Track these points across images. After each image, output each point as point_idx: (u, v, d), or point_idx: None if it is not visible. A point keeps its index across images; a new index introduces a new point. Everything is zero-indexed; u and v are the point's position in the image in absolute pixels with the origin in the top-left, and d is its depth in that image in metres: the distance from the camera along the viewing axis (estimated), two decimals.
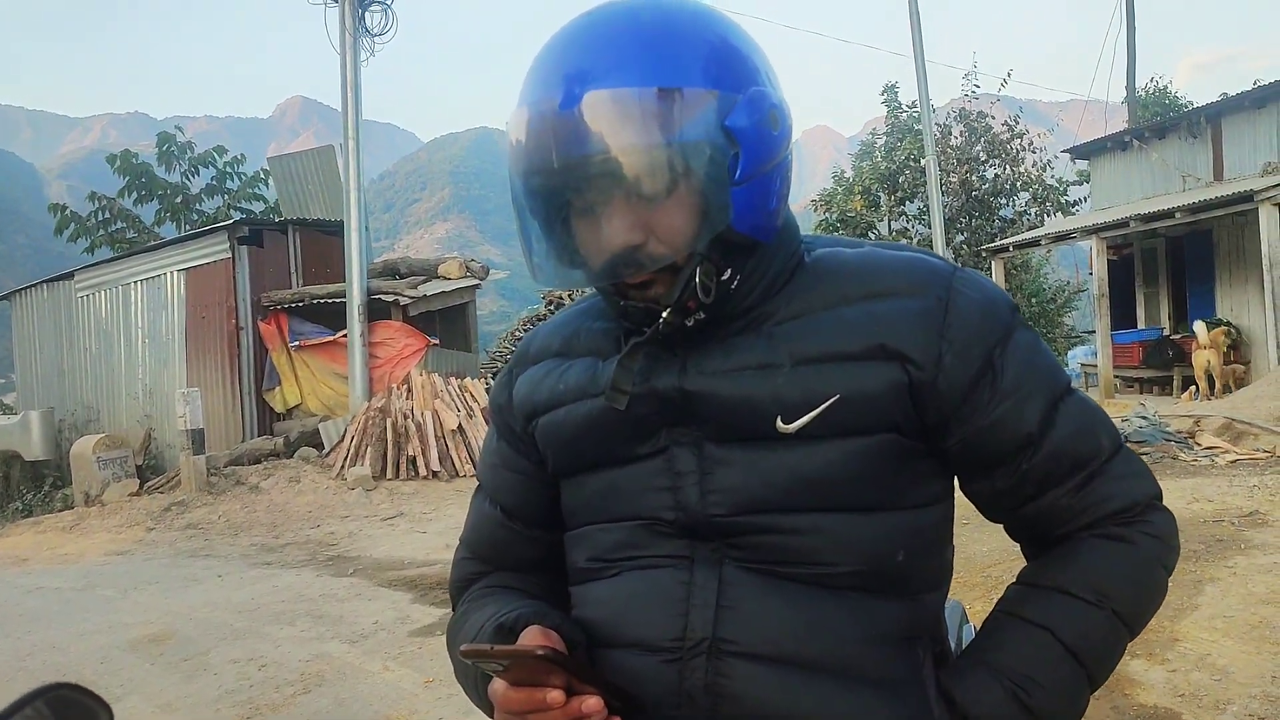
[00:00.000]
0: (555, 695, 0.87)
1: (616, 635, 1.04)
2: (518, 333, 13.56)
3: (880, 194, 23.58)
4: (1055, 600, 1.03)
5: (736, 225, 0.98)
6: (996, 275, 15.31)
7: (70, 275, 13.86)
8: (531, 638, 0.96)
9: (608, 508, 1.08)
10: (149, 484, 9.80)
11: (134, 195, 19.97)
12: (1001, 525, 1.13)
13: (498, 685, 0.90)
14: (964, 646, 1.41)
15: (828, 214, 23.98)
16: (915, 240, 23.53)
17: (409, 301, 10.80)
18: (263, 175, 19.19)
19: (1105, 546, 1.04)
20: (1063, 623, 1.01)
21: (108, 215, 19.98)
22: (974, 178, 22.97)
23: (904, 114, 23.82)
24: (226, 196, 20.47)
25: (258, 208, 19.61)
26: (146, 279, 12.38)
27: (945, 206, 22.09)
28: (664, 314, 1.00)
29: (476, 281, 12.35)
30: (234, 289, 11.39)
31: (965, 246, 22.47)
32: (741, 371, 1.02)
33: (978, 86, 23.84)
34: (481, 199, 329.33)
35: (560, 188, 0.97)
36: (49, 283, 14.51)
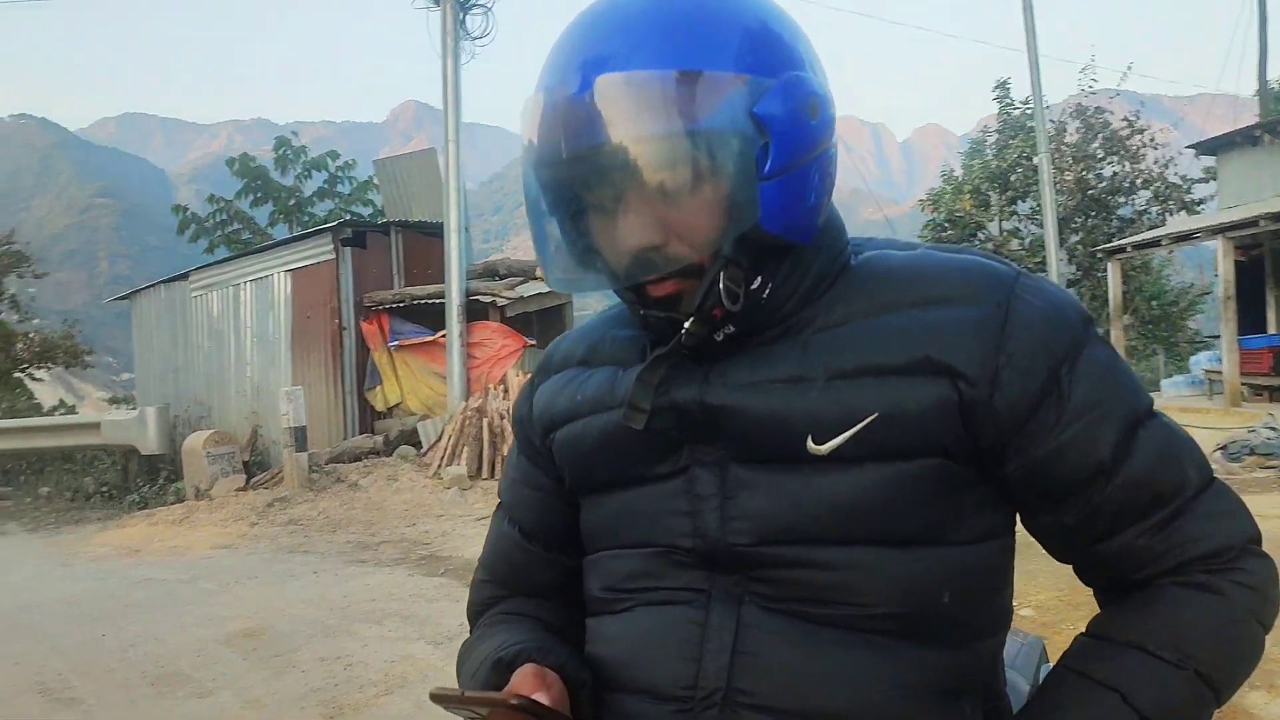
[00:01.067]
0: None
1: (625, 679, 0.93)
2: None
3: (991, 193, 22.96)
4: (1130, 658, 0.88)
5: (766, 224, 0.86)
6: (1112, 277, 14.69)
7: (185, 276, 14.34)
8: (524, 678, 0.87)
9: (623, 532, 0.98)
10: (254, 479, 10.10)
11: (250, 198, 20.74)
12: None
13: None
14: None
15: (935, 214, 23.48)
16: (1028, 241, 22.84)
17: (506, 303, 10.90)
18: (373, 181, 19.67)
19: (1191, 597, 0.89)
20: (1137, 686, 0.87)
21: (225, 217, 20.80)
22: (1090, 175, 22.21)
23: (1016, 110, 23.18)
24: (337, 200, 21.09)
25: (367, 211, 20.14)
26: (255, 279, 12.75)
27: (1059, 205, 21.38)
28: (686, 323, 0.89)
29: None
30: (338, 289, 11.62)
31: (1080, 247, 21.74)
32: (770, 385, 0.90)
33: (1095, 81, 23.04)
34: None
35: (570, 181, 0.88)
36: (166, 283, 15.06)
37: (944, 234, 23.27)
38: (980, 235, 23.39)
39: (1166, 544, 0.90)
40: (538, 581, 1.11)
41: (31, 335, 23.84)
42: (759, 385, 0.91)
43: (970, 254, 0.97)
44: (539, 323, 12.29)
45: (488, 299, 10.95)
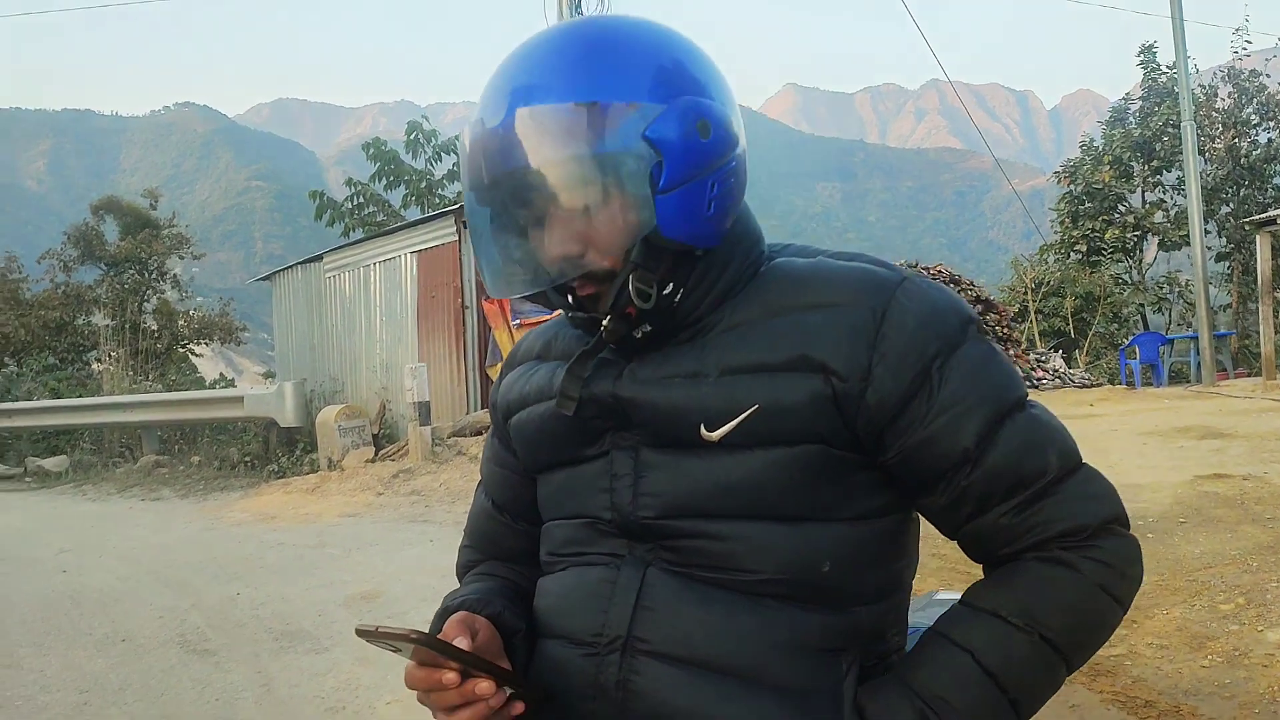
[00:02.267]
0: (450, 677, 0.94)
1: (551, 626, 1.10)
2: None
3: (1133, 163, 21.92)
4: (983, 622, 1.00)
5: (666, 232, 1.00)
6: (1261, 250, 13.90)
7: (319, 257, 14.95)
8: (450, 623, 1.04)
9: (562, 505, 1.14)
10: (382, 451, 10.57)
11: (384, 181, 21.39)
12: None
13: (408, 664, 0.97)
14: None
15: (1072, 186, 22.50)
16: (1173, 213, 21.78)
17: None
18: None
19: (1044, 570, 1.00)
20: (986, 645, 0.98)
21: (361, 200, 21.51)
22: (1243, 143, 20.94)
23: (1163, 76, 21.99)
24: None
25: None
26: (384, 260, 13.23)
27: (1208, 175, 20.26)
28: (604, 321, 1.03)
29: None
30: (460, 270, 11.97)
31: (1231, 219, 20.57)
32: (672, 379, 1.05)
33: (1249, 43, 21.64)
34: None
35: (492, 200, 1.03)
36: (302, 264, 15.75)
37: (1081, 207, 22.35)
38: (1121, 208, 22.39)
39: (1028, 523, 1.00)
40: (508, 547, 1.28)
41: (192, 313, 25.21)
42: (662, 380, 1.05)
43: (860, 262, 1.10)
44: None
45: None
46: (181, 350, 24.14)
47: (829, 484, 1.03)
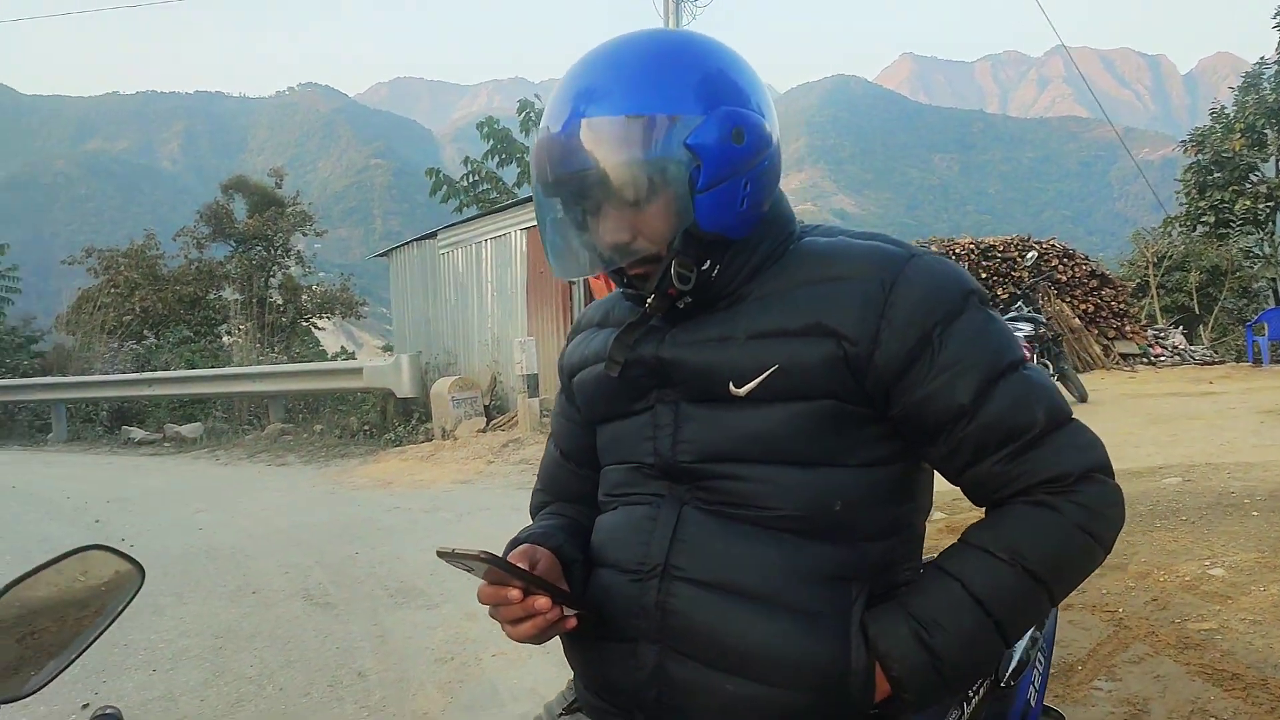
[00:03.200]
0: (514, 593, 1.11)
1: (604, 556, 1.28)
2: None
3: (1268, 130, 20.85)
4: (972, 555, 1.15)
5: (704, 225, 1.17)
6: None
7: (434, 234, 15.32)
8: (517, 552, 1.21)
9: (616, 452, 1.32)
10: (493, 422, 10.90)
11: (496, 159, 21.73)
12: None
13: (480, 583, 1.15)
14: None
15: (1200, 155, 21.48)
16: None
17: None
18: None
19: (1028, 511, 1.14)
20: (974, 575, 1.14)
21: (476, 178, 21.91)
22: None
23: None
24: None
25: None
26: (494, 237, 13.50)
27: None
28: (649, 299, 1.21)
29: None
30: None
31: None
32: (705, 343, 1.21)
33: None
34: (837, 148, 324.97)
35: (556, 195, 1.21)
36: (417, 241, 16.12)
37: (1209, 177, 21.37)
38: (1253, 178, 21.34)
39: (1017, 470, 1.15)
40: (573, 490, 1.46)
41: (314, 288, 26.14)
42: (697, 343, 1.22)
43: (876, 240, 1.24)
44: None
45: None
46: (305, 324, 25.04)
47: (841, 434, 1.18)
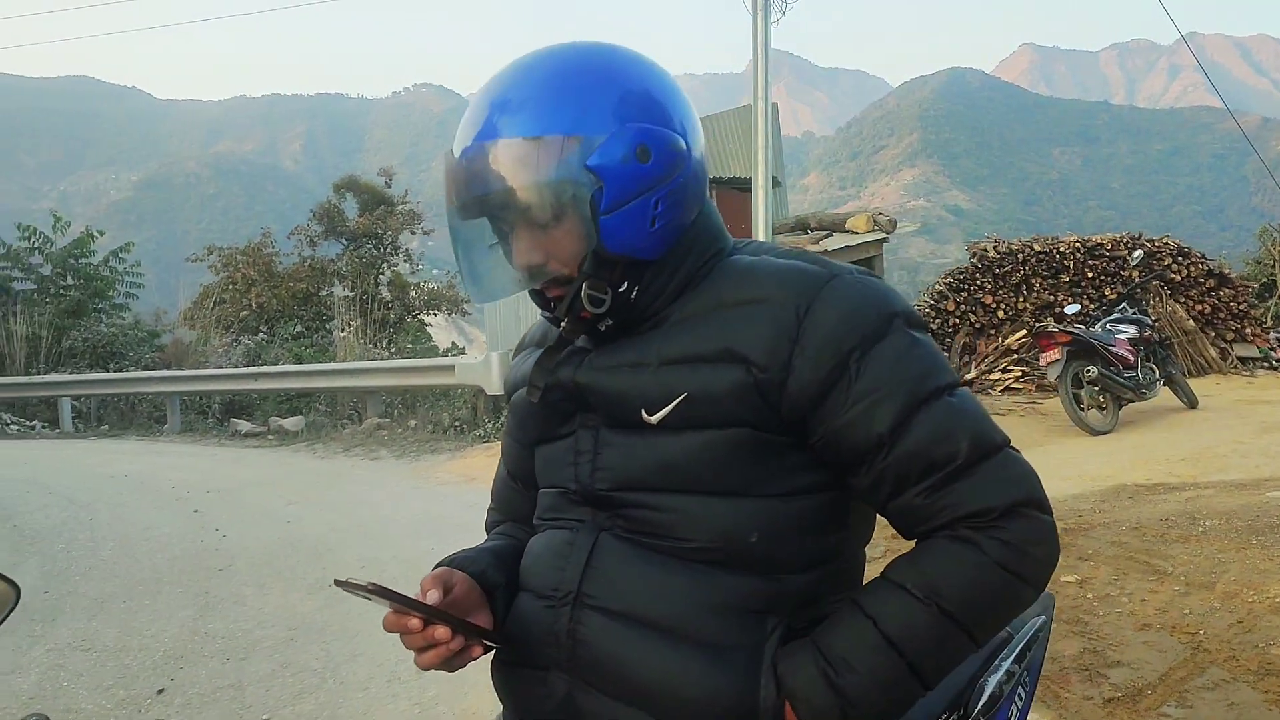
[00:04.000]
0: (414, 623, 1.10)
1: (526, 581, 1.27)
2: (938, 286, 13.21)
3: None
4: (889, 593, 1.11)
5: (610, 247, 1.14)
6: None
7: None
8: (428, 579, 1.21)
9: (545, 475, 1.31)
10: None
11: None
12: None
13: (386, 612, 1.14)
14: (1034, 639, 1.44)
15: None
16: None
17: None
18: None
19: (947, 547, 1.09)
20: (888, 614, 1.09)
21: None
22: None
23: None
24: None
25: None
26: None
27: None
28: (562, 323, 1.19)
29: (884, 235, 12.24)
30: None
31: None
32: (620, 368, 1.19)
33: None
34: (951, 143, 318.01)
35: (464, 220, 1.21)
36: None
37: None
38: None
39: (940, 504, 1.09)
40: (520, 510, 1.45)
41: (422, 285, 26.76)
42: (611, 368, 1.20)
43: (800, 261, 1.19)
44: None
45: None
46: (412, 320, 25.65)
47: (757, 463, 1.14)
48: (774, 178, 11.41)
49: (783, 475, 1.15)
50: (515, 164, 1.12)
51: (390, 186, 27.13)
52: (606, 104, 1.14)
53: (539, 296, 1.23)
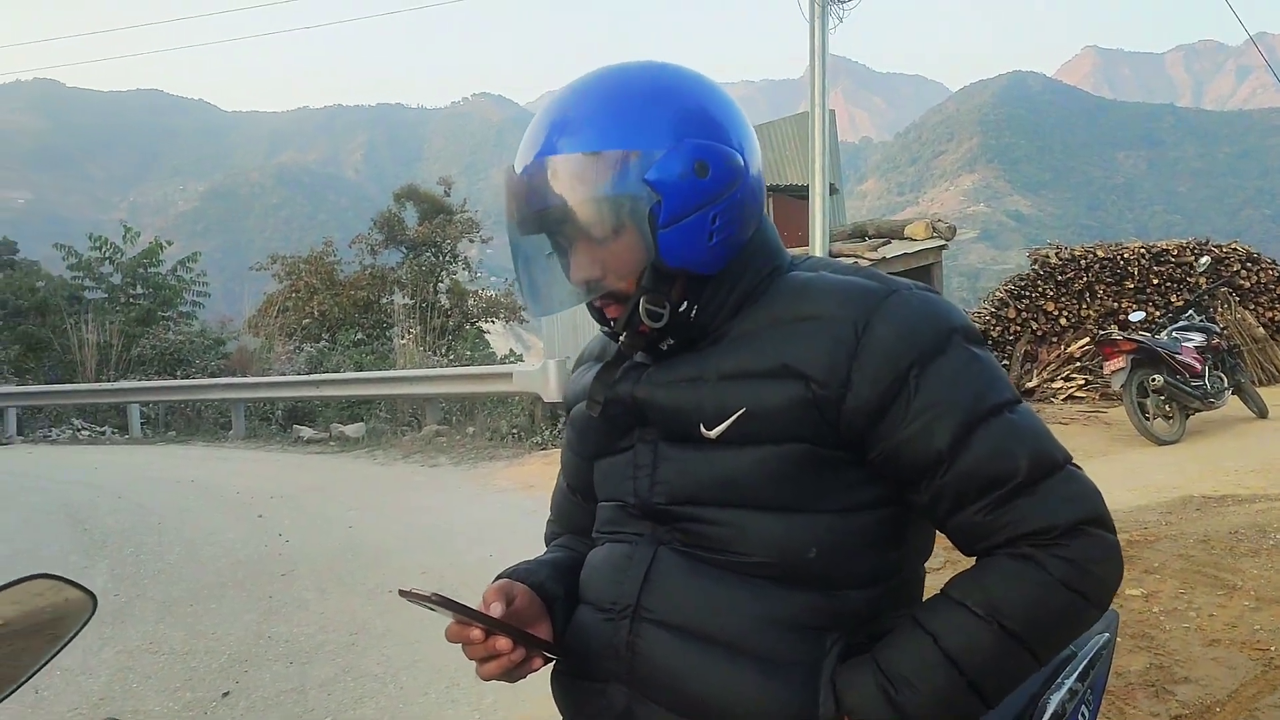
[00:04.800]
0: (476, 634, 1.13)
1: (585, 594, 1.28)
2: (998, 293, 13.02)
3: None
4: (950, 610, 1.10)
5: (669, 261, 1.15)
6: None
7: None
8: (490, 590, 1.23)
9: (605, 489, 1.32)
10: None
11: None
12: None
13: (449, 623, 1.16)
14: (1097, 657, 1.42)
15: None
16: None
17: (869, 264, 10.92)
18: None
19: (1009, 565, 1.08)
20: (949, 632, 1.08)
21: None
22: None
23: None
24: None
25: None
26: None
27: None
28: (621, 337, 1.20)
29: (942, 242, 12.09)
30: None
31: None
32: (678, 383, 1.20)
33: None
34: (1011, 147, 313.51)
35: (524, 234, 1.22)
36: None
37: None
38: None
39: (1000, 521, 1.08)
40: (578, 523, 1.46)
41: (480, 292, 27.01)
42: (670, 384, 1.20)
43: (858, 277, 1.20)
44: None
45: (850, 260, 10.98)
46: (471, 327, 25.89)
47: (814, 479, 1.14)
48: (831, 185, 11.34)
49: (841, 491, 1.15)
50: (574, 179, 1.14)
51: (449, 195, 27.46)
52: (665, 120, 1.15)
53: (597, 313, 1.24)
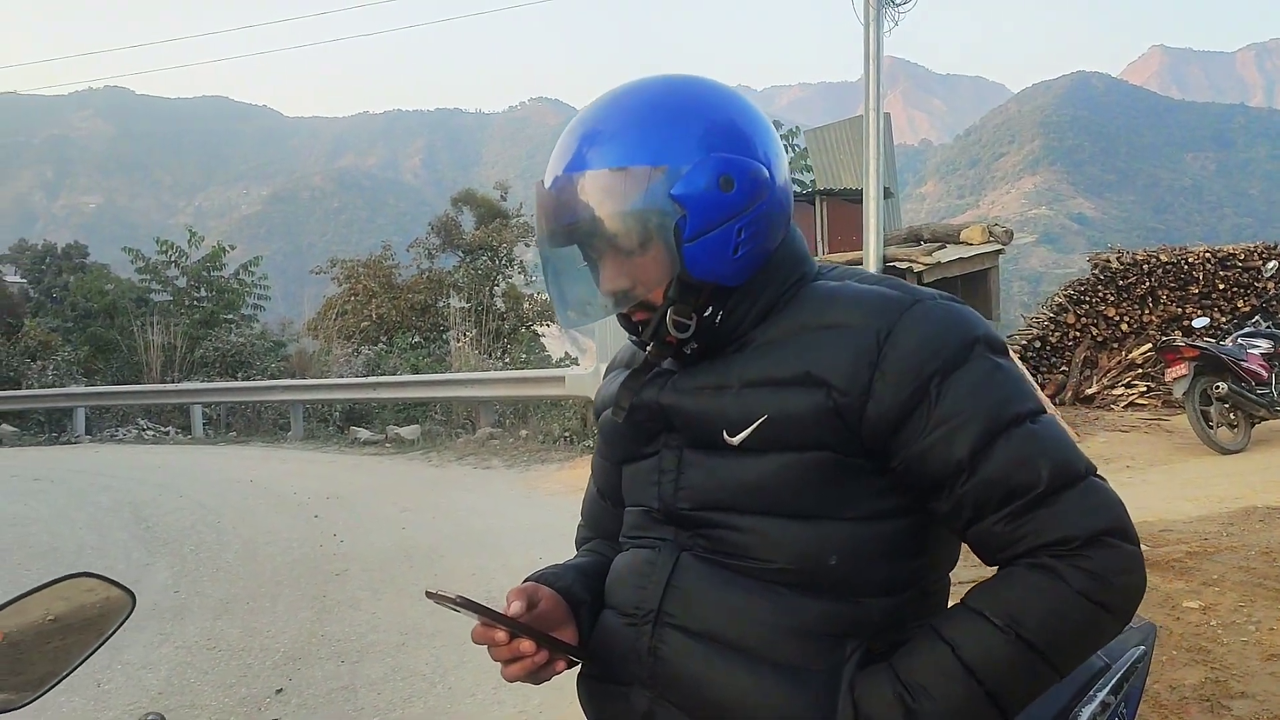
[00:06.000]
0: (500, 636, 1.15)
1: (610, 598, 1.30)
2: (1057, 298, 12.80)
3: None
4: (969, 620, 1.10)
5: (695, 274, 1.17)
6: None
7: None
8: (513, 592, 1.24)
9: (631, 494, 1.34)
10: None
11: None
12: None
13: (474, 624, 1.18)
14: (1131, 670, 1.41)
15: None
16: None
17: (924, 269, 10.81)
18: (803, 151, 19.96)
19: (1029, 576, 1.08)
20: (967, 641, 1.08)
21: None
22: None
23: None
24: None
25: (809, 177, 20.63)
26: None
27: None
28: (648, 346, 1.22)
29: (999, 247, 11.93)
30: None
31: None
32: (702, 390, 1.21)
33: None
34: (1075, 149, 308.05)
35: (554, 247, 1.25)
36: None
37: None
38: None
39: (1020, 532, 1.09)
40: (609, 528, 1.47)
41: (535, 296, 27.18)
42: (694, 390, 1.22)
43: (883, 286, 1.21)
44: (963, 288, 11.98)
45: (904, 265, 10.92)
46: (526, 330, 26.06)
47: (836, 486, 1.15)
48: (886, 188, 11.26)
49: (862, 499, 1.16)
50: (602, 194, 1.16)
51: (505, 199, 27.67)
52: (691, 135, 1.17)
53: (626, 321, 1.26)
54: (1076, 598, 1.05)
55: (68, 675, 1.02)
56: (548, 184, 1.21)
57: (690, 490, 1.22)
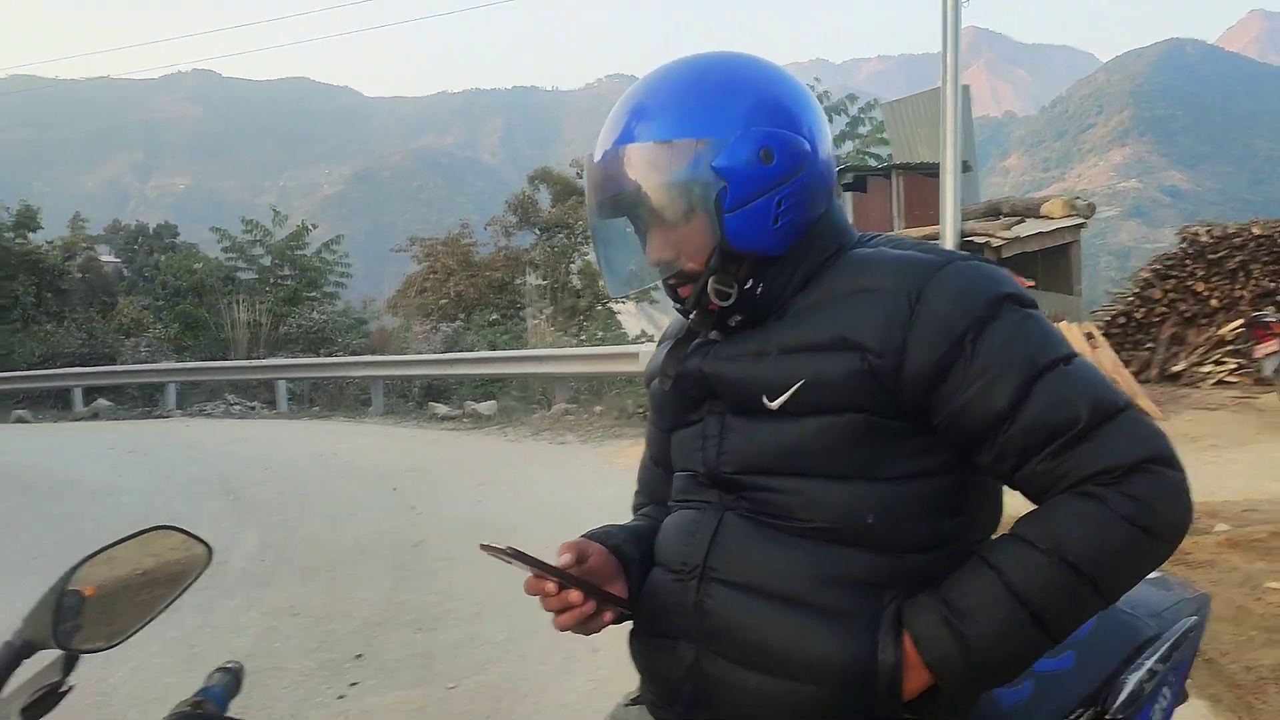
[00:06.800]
0: (550, 586, 1.22)
1: (659, 557, 1.36)
2: (1143, 273, 12.47)
3: None
4: (1013, 546, 1.14)
5: (735, 244, 1.22)
6: None
7: None
8: (564, 546, 1.31)
9: (679, 459, 1.40)
10: None
11: None
12: None
13: (527, 575, 1.25)
14: (1182, 639, 1.42)
15: None
16: None
17: (1002, 243, 10.63)
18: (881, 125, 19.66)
19: (1072, 502, 1.12)
20: (1012, 566, 1.12)
21: None
22: None
23: None
24: (856, 141, 21.45)
25: (885, 150, 20.34)
26: None
27: None
28: (691, 315, 1.26)
29: (1081, 220, 11.64)
30: None
31: None
32: (743, 357, 1.27)
33: None
34: (1167, 119, 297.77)
35: (602, 217, 1.32)
36: None
37: None
38: None
39: (1065, 467, 1.12)
40: (660, 494, 1.53)
41: None
42: (735, 357, 1.27)
43: (915, 251, 1.25)
44: (1043, 263, 11.75)
45: (982, 240, 10.74)
46: (602, 308, 26.20)
47: (873, 447, 1.19)
48: (964, 161, 11.06)
49: (899, 459, 1.19)
50: (647, 166, 1.22)
51: (582, 177, 27.72)
52: (734, 110, 1.21)
53: (672, 291, 1.31)
54: (1119, 521, 1.08)
55: (151, 621, 1.11)
56: (597, 157, 1.27)
57: (732, 454, 1.27)
